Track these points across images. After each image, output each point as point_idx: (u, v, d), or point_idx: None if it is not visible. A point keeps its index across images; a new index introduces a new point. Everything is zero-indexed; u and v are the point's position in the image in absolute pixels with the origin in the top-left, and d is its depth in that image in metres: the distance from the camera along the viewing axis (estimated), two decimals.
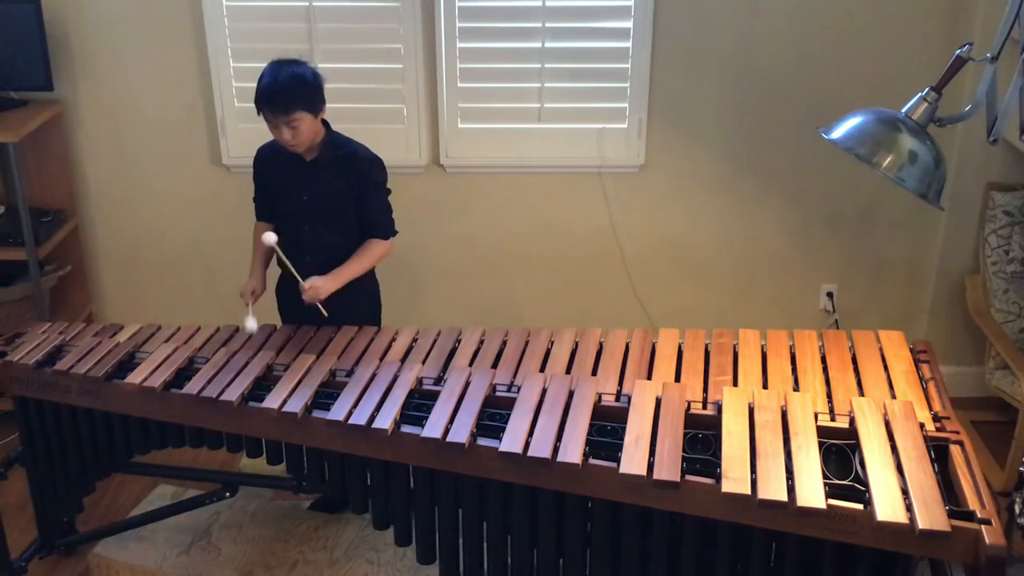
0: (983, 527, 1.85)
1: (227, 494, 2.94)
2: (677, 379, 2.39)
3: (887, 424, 2.10)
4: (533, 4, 3.46)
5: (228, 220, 3.67)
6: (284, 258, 2.80)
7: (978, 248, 3.58)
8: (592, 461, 2.11)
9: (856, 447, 2.06)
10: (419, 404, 2.39)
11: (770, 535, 2.02)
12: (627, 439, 2.12)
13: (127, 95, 3.66)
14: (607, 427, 2.22)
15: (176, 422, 2.61)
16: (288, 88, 2.69)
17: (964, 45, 2.14)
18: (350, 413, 2.35)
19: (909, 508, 1.88)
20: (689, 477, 2.02)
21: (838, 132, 2.16)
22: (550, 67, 3.54)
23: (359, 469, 2.43)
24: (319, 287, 2.75)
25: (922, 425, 2.10)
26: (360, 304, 2.95)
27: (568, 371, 2.47)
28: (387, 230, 2.92)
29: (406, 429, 2.29)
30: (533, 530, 2.24)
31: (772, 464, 2.01)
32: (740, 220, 3.73)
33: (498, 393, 2.37)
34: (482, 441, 2.21)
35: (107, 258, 3.90)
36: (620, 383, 2.37)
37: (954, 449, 2.07)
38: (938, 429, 2.14)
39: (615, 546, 2.15)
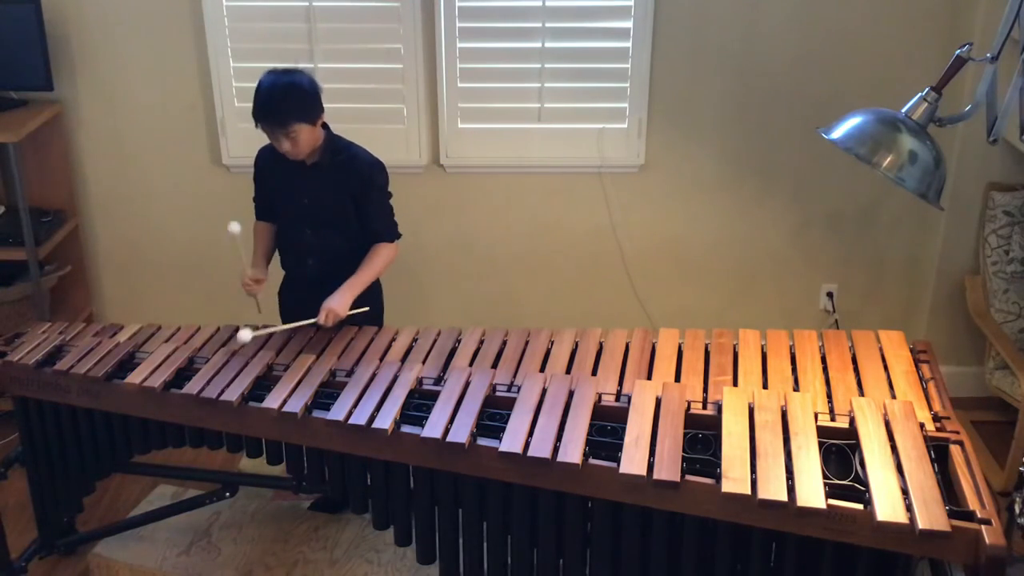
0: (983, 527, 1.85)
1: (227, 494, 2.94)
2: (677, 379, 2.39)
3: (887, 424, 2.10)
4: (533, 4, 3.46)
5: (228, 220, 3.66)
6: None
7: (978, 248, 3.57)
8: (592, 461, 2.11)
9: (856, 447, 2.06)
10: (419, 404, 2.39)
11: (770, 535, 2.02)
12: (627, 439, 2.12)
13: (127, 95, 3.66)
14: (607, 427, 2.22)
15: (176, 422, 2.60)
16: (284, 101, 2.67)
17: (964, 45, 2.14)
18: (350, 413, 2.35)
19: (909, 508, 1.88)
20: (689, 477, 2.02)
21: (838, 132, 2.16)
22: (550, 67, 3.53)
23: (359, 469, 2.43)
24: (335, 309, 2.71)
25: (922, 425, 2.10)
26: (365, 305, 2.95)
27: (568, 371, 2.47)
28: (392, 234, 2.91)
29: (406, 429, 2.29)
30: (533, 530, 2.24)
31: (772, 464, 2.01)
32: (740, 220, 3.73)
33: (498, 393, 2.37)
34: (482, 441, 2.21)
35: (107, 258, 3.90)
36: (620, 383, 2.37)
37: (954, 449, 2.07)
38: (938, 429, 2.14)
39: (615, 546, 2.15)
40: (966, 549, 1.85)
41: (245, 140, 3.58)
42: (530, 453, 2.14)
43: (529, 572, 2.28)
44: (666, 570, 2.12)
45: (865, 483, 1.96)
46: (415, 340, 2.69)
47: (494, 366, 2.51)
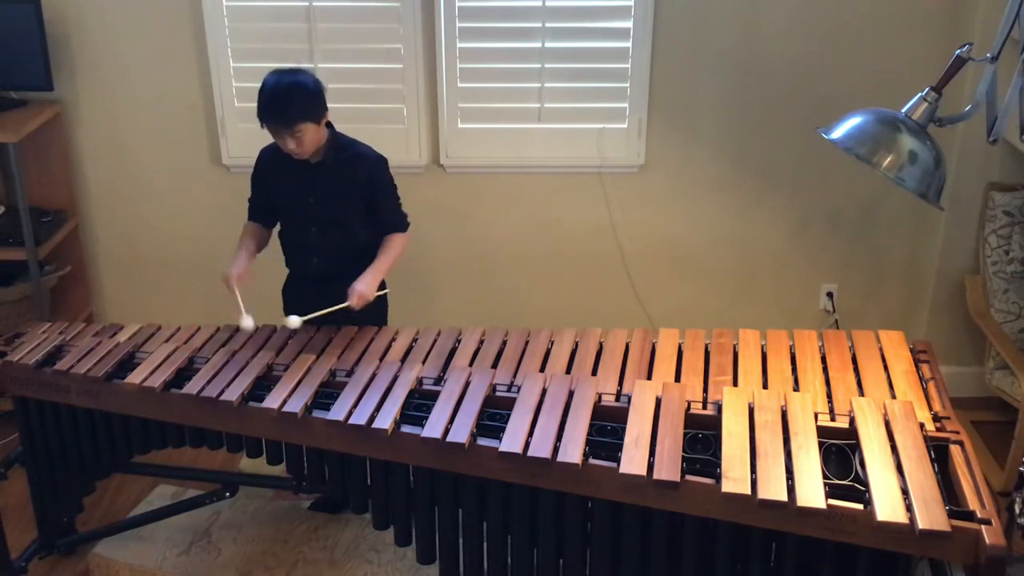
0: (983, 527, 1.85)
1: (227, 494, 2.94)
2: (677, 379, 2.39)
3: (887, 424, 2.10)
4: (533, 4, 3.46)
5: (228, 220, 3.65)
6: (319, 315, 2.78)
7: (978, 248, 3.57)
8: (592, 461, 2.11)
9: (856, 447, 2.06)
10: (419, 404, 2.39)
11: (770, 535, 2.02)
12: (627, 439, 2.12)
13: (127, 95, 3.66)
14: (607, 427, 2.22)
15: (176, 422, 2.61)
16: (290, 100, 2.68)
17: (964, 45, 2.14)
18: (350, 413, 2.35)
19: (909, 508, 1.88)
20: (689, 477, 2.02)
21: (838, 132, 2.16)
22: (550, 67, 3.53)
23: (359, 469, 2.43)
24: (363, 292, 2.76)
25: (922, 425, 2.10)
26: (370, 304, 2.96)
27: (568, 371, 2.47)
28: (403, 224, 2.97)
29: (406, 429, 2.29)
30: (533, 530, 2.24)
31: (772, 464, 2.01)
32: (740, 220, 3.73)
33: (498, 393, 2.37)
34: (482, 441, 2.21)
35: (107, 258, 3.90)
36: (620, 383, 2.38)
37: (954, 449, 2.07)
38: (938, 429, 2.14)
39: (615, 546, 2.15)
40: (966, 549, 1.85)
41: (245, 140, 3.58)
42: (530, 453, 2.14)
43: (529, 572, 2.28)
44: (666, 570, 2.12)
45: (865, 483, 1.96)
46: (415, 340, 2.69)
47: (494, 366, 2.51)
